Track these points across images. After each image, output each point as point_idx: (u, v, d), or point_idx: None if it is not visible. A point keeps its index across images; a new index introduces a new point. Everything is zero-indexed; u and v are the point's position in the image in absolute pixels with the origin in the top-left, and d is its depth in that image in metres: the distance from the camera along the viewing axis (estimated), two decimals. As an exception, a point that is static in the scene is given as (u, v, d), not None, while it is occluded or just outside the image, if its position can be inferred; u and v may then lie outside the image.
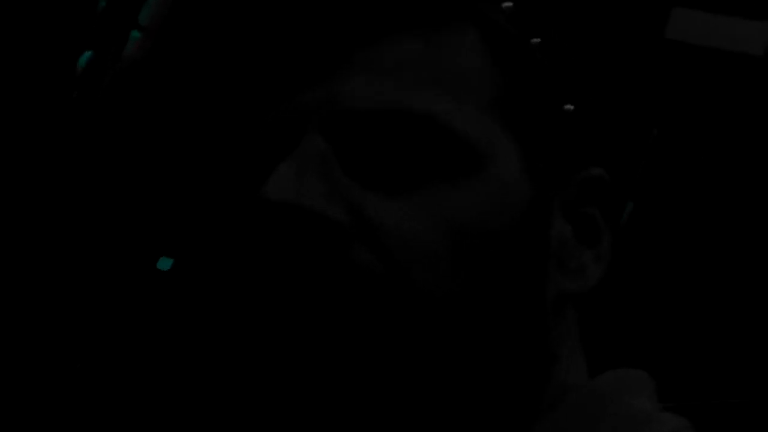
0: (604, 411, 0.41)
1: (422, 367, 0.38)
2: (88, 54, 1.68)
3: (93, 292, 1.88)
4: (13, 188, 1.73)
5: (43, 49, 1.65)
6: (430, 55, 0.44)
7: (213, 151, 1.82)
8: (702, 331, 1.86)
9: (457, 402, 0.39)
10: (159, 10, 1.72)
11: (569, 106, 0.49)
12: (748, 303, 1.83)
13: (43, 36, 1.64)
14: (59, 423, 1.70)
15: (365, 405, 0.38)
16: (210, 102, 1.74)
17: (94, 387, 1.80)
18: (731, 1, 1.79)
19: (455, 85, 0.43)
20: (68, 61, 1.69)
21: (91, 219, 1.83)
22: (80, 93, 1.69)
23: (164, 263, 2.08)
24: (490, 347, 0.40)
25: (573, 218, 0.46)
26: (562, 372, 0.44)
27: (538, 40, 0.46)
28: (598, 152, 0.50)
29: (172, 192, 1.91)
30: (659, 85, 1.89)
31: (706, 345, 1.84)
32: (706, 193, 1.96)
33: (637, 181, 1.94)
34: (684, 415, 0.42)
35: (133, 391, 1.74)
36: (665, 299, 1.90)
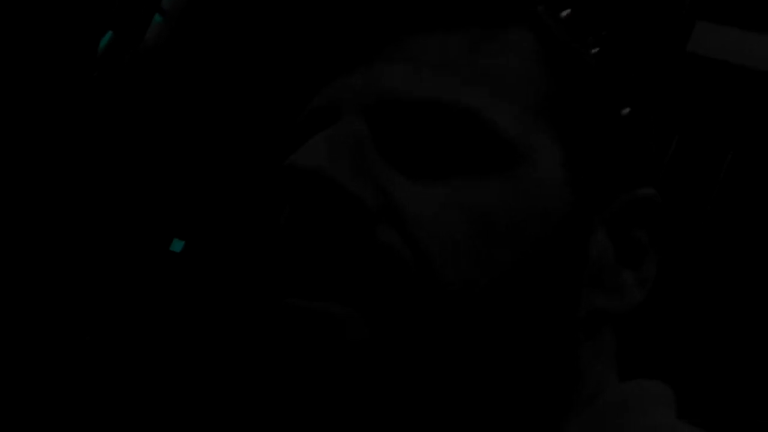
0: (625, 421, 0.41)
1: (435, 361, 0.37)
2: (109, 35, 1.69)
3: (103, 275, 1.90)
4: (29, 167, 1.75)
5: (65, 28, 1.66)
6: (479, 53, 0.43)
7: (232, 137, 1.83)
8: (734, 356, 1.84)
9: (471, 403, 0.38)
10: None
11: (625, 112, 0.47)
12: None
13: (66, 16, 1.66)
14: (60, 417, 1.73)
15: (373, 396, 0.37)
16: (226, 89, 1.74)
17: (100, 366, 1.82)
18: (755, 16, 1.76)
19: (501, 84, 0.42)
20: (90, 41, 1.71)
21: (104, 200, 1.85)
22: (100, 73, 1.70)
23: (177, 245, 2.10)
24: (509, 349, 0.39)
25: (618, 238, 0.45)
26: (591, 388, 0.42)
27: (597, 49, 0.46)
28: (645, 170, 0.48)
29: (186, 177, 1.92)
30: (680, 99, 1.87)
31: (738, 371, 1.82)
32: (723, 210, 1.94)
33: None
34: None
35: (134, 385, 1.76)
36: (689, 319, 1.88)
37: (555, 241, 0.41)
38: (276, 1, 1.76)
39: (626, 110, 0.47)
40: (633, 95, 0.49)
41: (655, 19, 1.74)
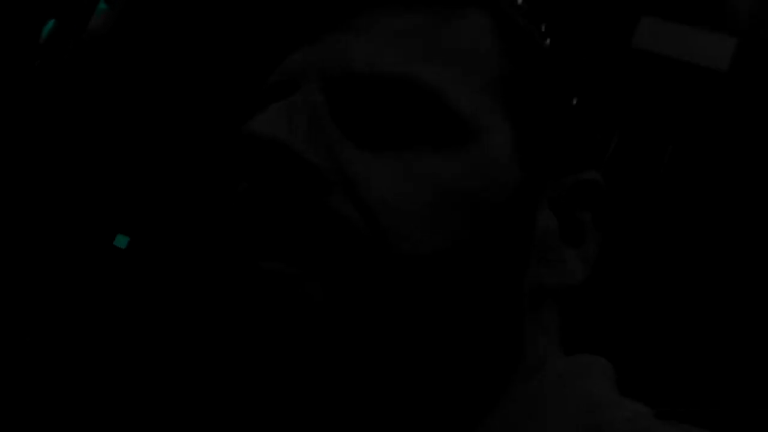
0: (564, 392, 0.42)
1: (385, 325, 0.38)
2: (51, 23, 1.65)
3: (50, 270, 1.86)
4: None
5: (5, 16, 1.62)
6: (438, 30, 0.44)
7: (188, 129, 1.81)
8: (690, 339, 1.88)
9: (416, 370, 0.39)
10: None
11: (573, 102, 0.49)
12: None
13: (6, 3, 1.61)
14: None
15: (324, 354, 0.38)
16: (173, 78, 1.72)
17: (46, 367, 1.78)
18: (699, 13, 1.80)
19: (459, 62, 0.43)
20: (32, 30, 1.67)
21: (45, 195, 1.81)
22: (42, 62, 1.66)
23: (121, 240, 2.06)
24: (456, 317, 0.40)
25: (562, 217, 0.46)
26: (534, 360, 0.43)
27: (549, 39, 0.47)
28: (589, 155, 0.50)
29: (133, 169, 1.89)
30: (623, 93, 1.90)
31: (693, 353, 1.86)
32: (664, 202, 1.98)
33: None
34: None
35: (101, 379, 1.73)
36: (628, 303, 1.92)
37: (502, 216, 0.42)
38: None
39: (575, 98, 0.49)
40: (582, 83, 0.50)
41: (601, 13, 1.77)
